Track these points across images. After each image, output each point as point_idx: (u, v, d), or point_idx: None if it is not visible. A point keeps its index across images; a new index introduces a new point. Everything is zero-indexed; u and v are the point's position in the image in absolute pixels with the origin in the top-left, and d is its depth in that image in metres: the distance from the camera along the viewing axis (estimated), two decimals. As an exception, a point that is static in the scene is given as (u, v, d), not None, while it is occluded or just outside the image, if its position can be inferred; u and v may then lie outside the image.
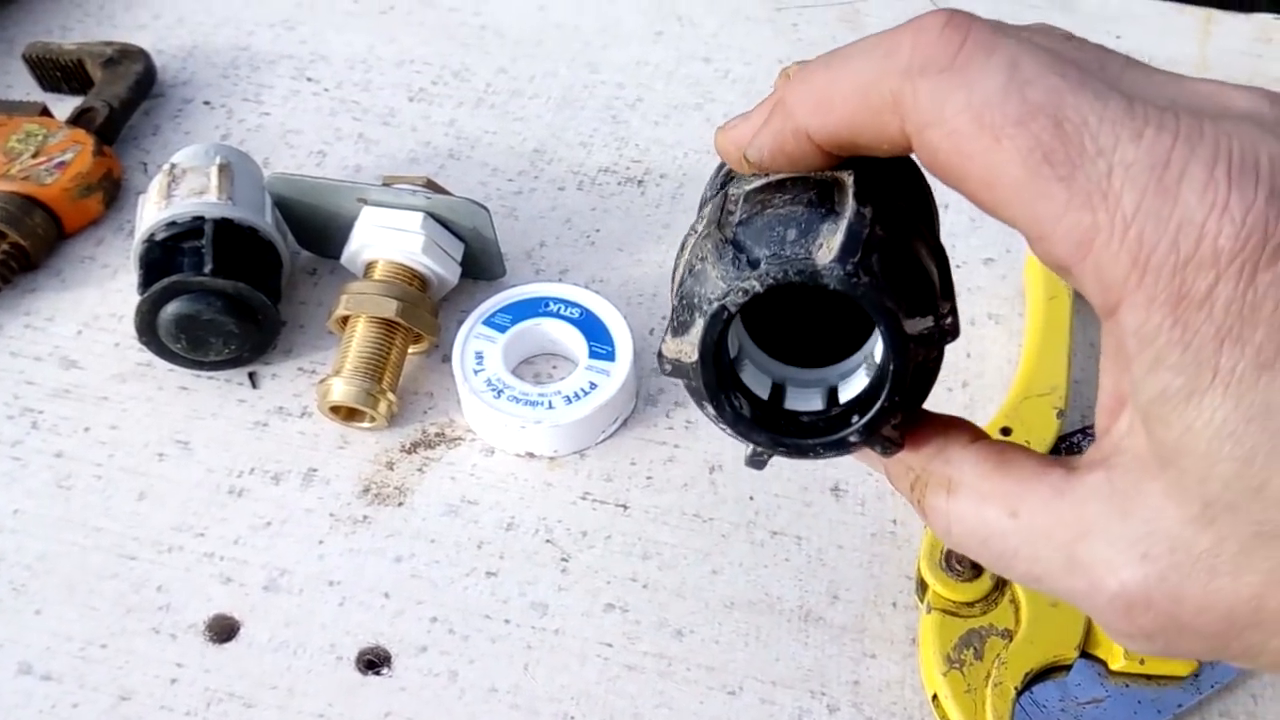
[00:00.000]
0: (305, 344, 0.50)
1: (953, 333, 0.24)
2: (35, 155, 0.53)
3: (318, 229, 0.50)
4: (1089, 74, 0.21)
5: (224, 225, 0.46)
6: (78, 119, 0.57)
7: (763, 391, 0.26)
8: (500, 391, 0.45)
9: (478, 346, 0.47)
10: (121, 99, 0.58)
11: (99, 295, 0.52)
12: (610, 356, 0.46)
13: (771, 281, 0.23)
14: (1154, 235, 0.20)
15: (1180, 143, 0.20)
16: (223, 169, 0.48)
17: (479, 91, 0.62)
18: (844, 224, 0.23)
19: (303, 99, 0.61)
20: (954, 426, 0.26)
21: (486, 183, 0.58)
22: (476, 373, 0.46)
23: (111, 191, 0.55)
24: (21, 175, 0.52)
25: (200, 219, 0.46)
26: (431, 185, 0.49)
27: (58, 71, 0.60)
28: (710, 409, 0.25)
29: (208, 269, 0.44)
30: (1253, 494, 0.20)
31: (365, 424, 0.47)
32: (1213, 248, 0.19)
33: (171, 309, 0.44)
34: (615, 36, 0.65)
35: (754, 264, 0.23)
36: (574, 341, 0.47)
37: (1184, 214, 0.19)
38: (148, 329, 0.45)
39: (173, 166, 0.48)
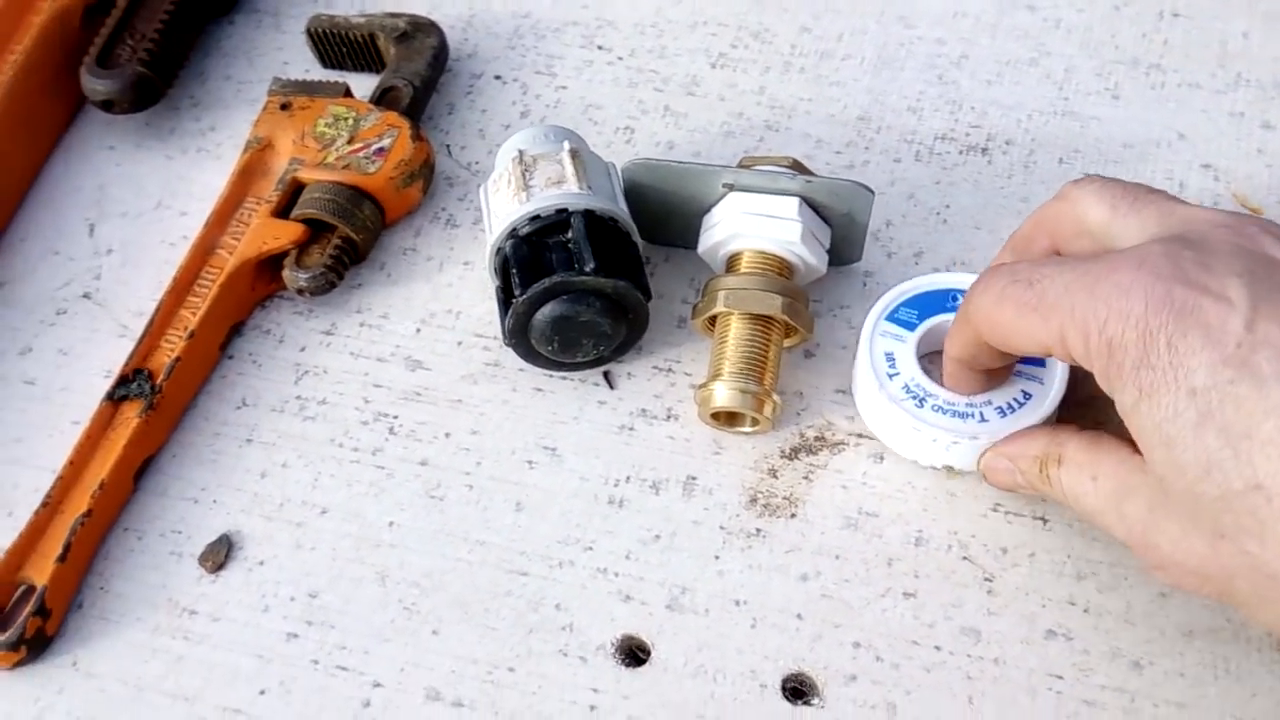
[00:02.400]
0: (655, 340, 0.47)
1: None
2: (350, 141, 0.51)
3: (665, 216, 0.47)
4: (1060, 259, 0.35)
5: (589, 217, 0.43)
6: (381, 99, 0.54)
7: None
8: (922, 400, 0.40)
9: (887, 346, 0.42)
10: (423, 77, 0.55)
11: (430, 290, 0.49)
12: (1039, 360, 0.41)
13: None
14: (1090, 318, 0.32)
15: (1105, 265, 0.32)
16: (574, 155, 0.45)
17: (784, 54, 0.57)
18: None
19: (597, 69, 0.58)
20: (1064, 427, 0.37)
21: (812, 156, 0.53)
22: (892, 377, 0.41)
23: (429, 178, 0.52)
24: (342, 164, 0.50)
25: (565, 211, 0.43)
26: (798, 166, 0.45)
27: (344, 47, 0.58)
28: None
29: (589, 268, 0.41)
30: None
31: (746, 428, 0.43)
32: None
33: (549, 310, 0.41)
34: (921, -13, 0.60)
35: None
36: None
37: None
38: (520, 331, 0.42)
39: (521, 154, 0.45)
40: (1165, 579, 0.33)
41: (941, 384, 0.40)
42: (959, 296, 0.42)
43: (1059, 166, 0.52)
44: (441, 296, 0.49)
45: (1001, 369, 0.39)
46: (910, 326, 0.42)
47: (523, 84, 0.57)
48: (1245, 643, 0.37)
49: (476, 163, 0.54)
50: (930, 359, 0.42)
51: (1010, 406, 0.40)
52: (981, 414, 0.40)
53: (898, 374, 0.41)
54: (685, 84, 0.57)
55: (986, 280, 0.35)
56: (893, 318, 0.43)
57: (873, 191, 0.43)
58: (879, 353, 0.42)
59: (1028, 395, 0.40)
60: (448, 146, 0.55)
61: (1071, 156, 0.52)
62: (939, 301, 0.43)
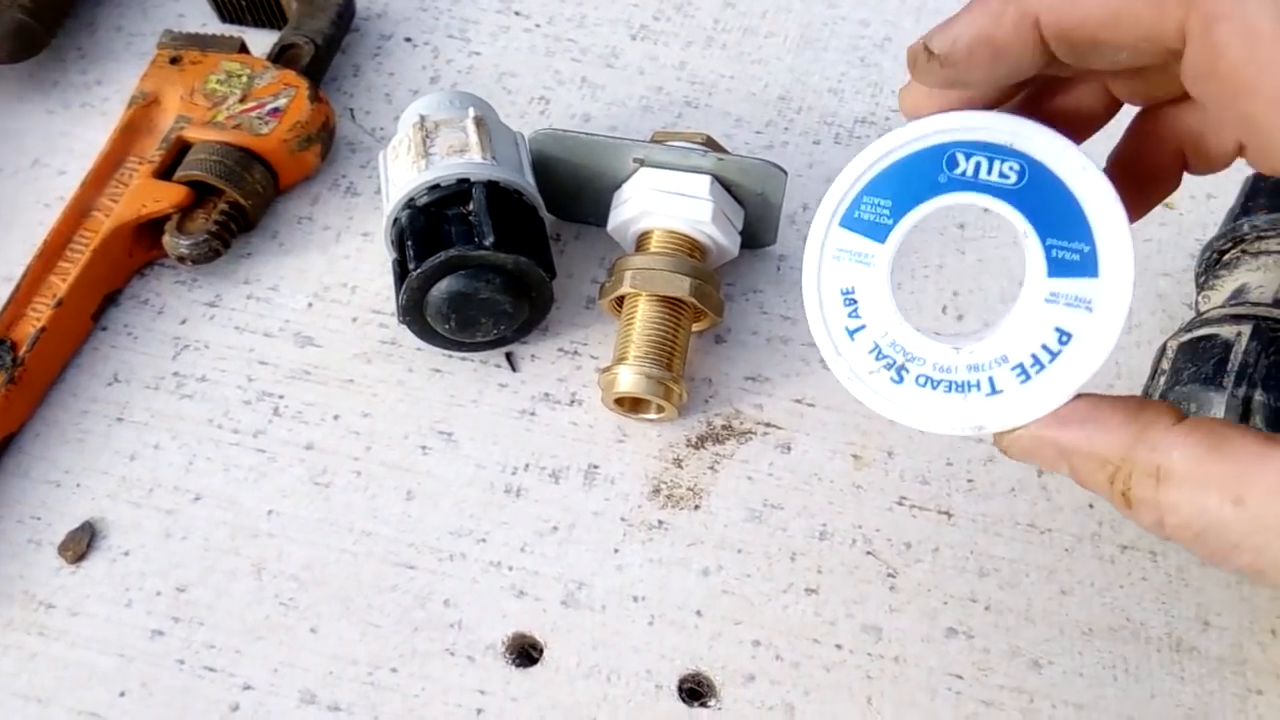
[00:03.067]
0: (561, 321, 0.45)
1: None
2: (243, 100, 0.48)
3: (573, 191, 0.45)
4: None
5: (491, 189, 0.40)
6: (279, 57, 0.51)
7: None
8: (902, 370, 0.26)
9: (845, 277, 0.26)
10: (325, 35, 0.52)
11: (325, 262, 0.47)
12: (1089, 267, 0.24)
13: None
14: None
15: None
16: (479, 123, 0.43)
17: (707, 29, 0.55)
18: None
19: (513, 36, 0.55)
20: (1149, 408, 0.23)
21: (731, 135, 0.51)
22: (854, 334, 0.26)
23: (328, 143, 0.49)
24: (232, 123, 0.47)
25: (466, 182, 0.40)
26: (711, 144, 0.43)
27: (243, 1, 0.54)
28: None
29: (488, 241, 0.38)
30: None
31: (652, 415, 0.41)
32: None
33: (444, 286, 0.39)
34: (848, -35, 0.58)
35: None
36: (1016, 234, 0.25)
37: None
38: (414, 308, 0.40)
39: (423, 119, 0.42)
40: None
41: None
42: (961, 155, 0.24)
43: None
44: (337, 269, 0.46)
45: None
46: (880, 232, 0.25)
47: (434, 48, 0.55)
48: (1144, 642, 0.37)
49: (381, 128, 0.51)
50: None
51: (1038, 362, 0.24)
52: (992, 381, 0.25)
53: (863, 327, 0.26)
54: (604, 55, 0.54)
55: None
56: (851, 220, 0.26)
57: (785, 172, 0.42)
58: (831, 292, 0.26)
59: (1066, 335, 0.24)
60: (351, 110, 0.52)
61: (993, 144, 0.51)
62: (926, 175, 0.24)
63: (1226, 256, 0.39)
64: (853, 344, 0.26)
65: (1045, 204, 0.24)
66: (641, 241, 0.43)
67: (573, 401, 0.43)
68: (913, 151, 0.24)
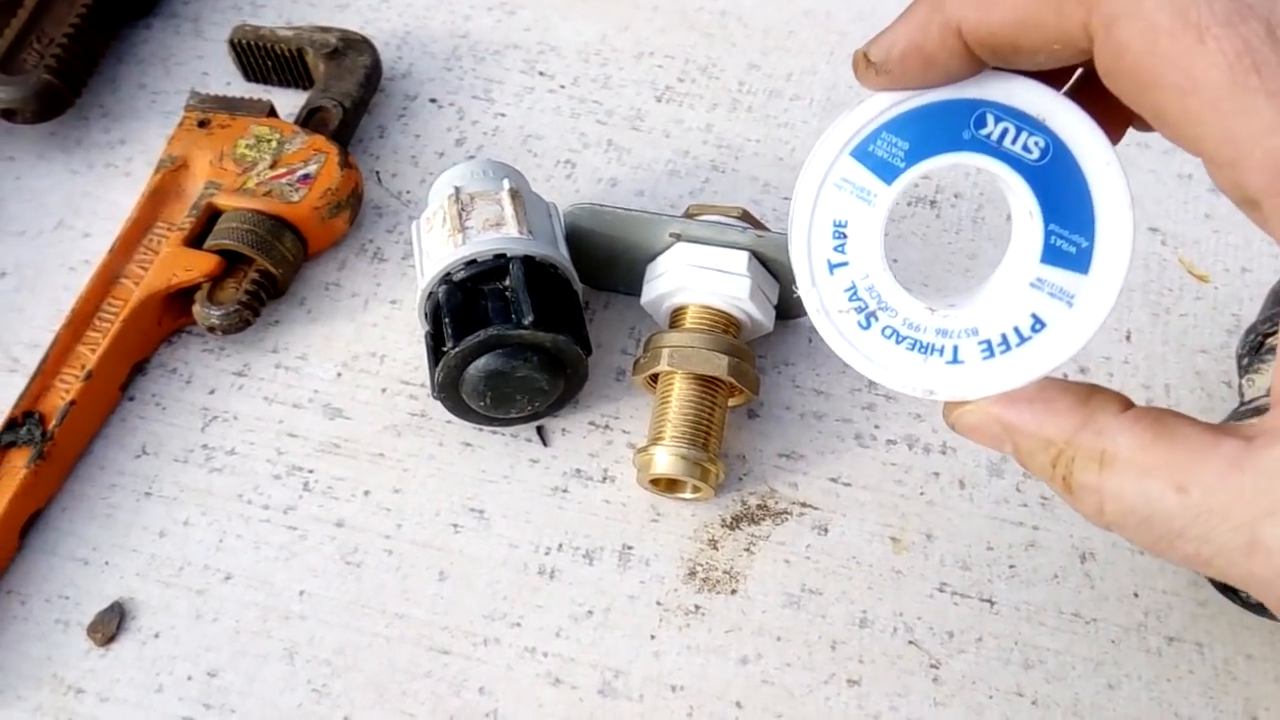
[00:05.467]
0: (592, 393, 0.44)
1: None
2: (273, 166, 0.47)
3: (607, 262, 0.44)
4: None
5: (528, 264, 0.40)
6: (307, 120, 0.51)
7: None
8: (872, 316, 0.25)
9: (841, 208, 0.25)
10: (353, 97, 0.52)
11: (353, 330, 0.46)
12: (1082, 262, 0.24)
13: None
14: None
15: None
16: (515, 195, 0.42)
17: (732, 91, 0.55)
18: None
19: (538, 97, 0.55)
20: (1099, 394, 0.23)
21: (759, 200, 0.51)
22: (835, 269, 0.25)
23: (356, 208, 0.49)
24: (263, 190, 0.46)
25: (502, 257, 0.40)
26: (747, 217, 0.43)
27: (269, 61, 0.54)
28: None
29: (527, 320, 0.38)
30: None
31: (687, 495, 0.41)
32: None
33: (482, 364, 0.39)
34: (874, 27, 0.58)
35: None
36: (1017, 215, 0.24)
37: None
38: (450, 385, 0.40)
39: (458, 191, 0.42)
40: None
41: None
42: (991, 117, 0.24)
43: (1007, 223, 0.50)
44: (365, 337, 0.46)
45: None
46: (889, 172, 0.24)
47: (459, 109, 0.54)
48: (1193, 739, 0.36)
49: (408, 191, 0.51)
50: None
51: (1005, 342, 0.24)
52: (956, 350, 0.25)
53: (845, 264, 0.25)
54: (629, 117, 0.54)
55: None
56: (864, 152, 0.24)
57: (826, 252, 0.41)
58: (824, 215, 0.25)
59: (1040, 322, 0.24)
60: (377, 173, 0.52)
61: (1022, 213, 0.51)
62: (952, 128, 0.24)
63: (1270, 341, 0.39)
64: (830, 278, 0.25)
65: (1059, 188, 0.23)
66: (676, 316, 0.43)
67: (605, 478, 0.42)
68: (944, 99, 0.24)
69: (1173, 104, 0.19)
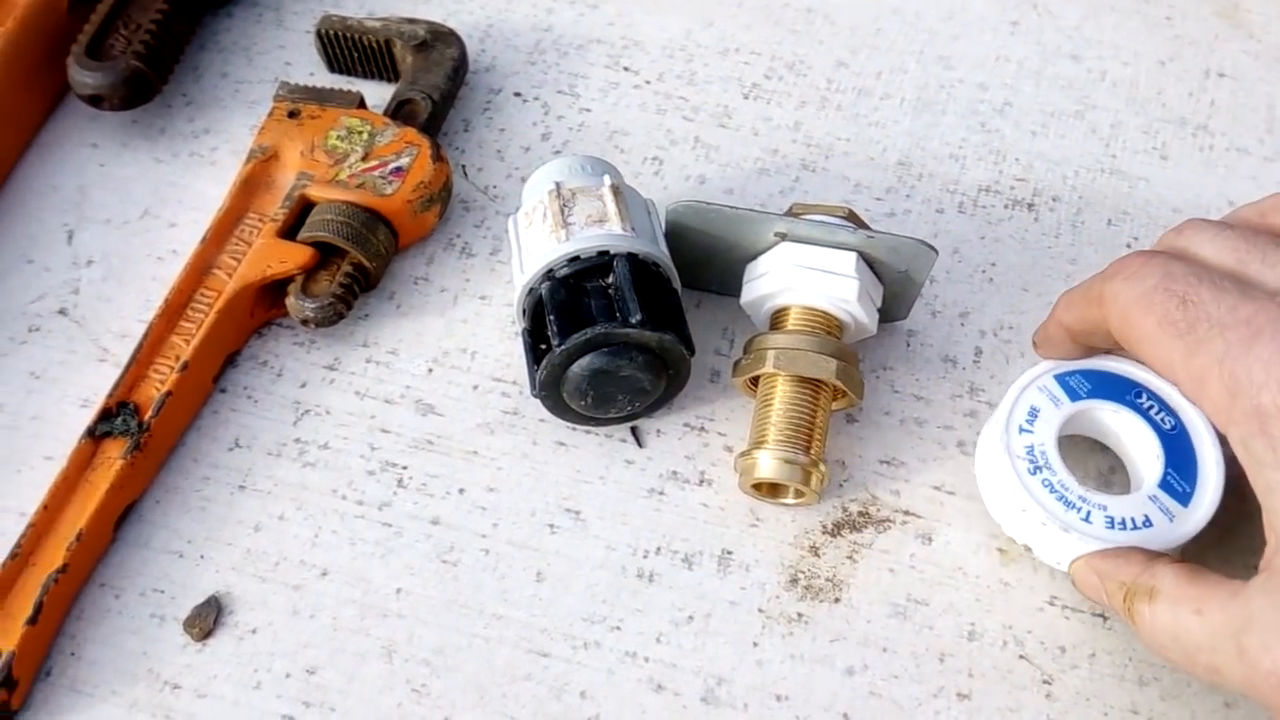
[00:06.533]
0: (685, 394, 0.43)
1: None
2: (365, 158, 0.47)
3: (704, 260, 0.44)
4: (1220, 275, 0.31)
5: (633, 261, 0.39)
6: (395, 112, 0.50)
7: None
8: (1038, 467, 0.36)
9: (1036, 400, 0.38)
10: (441, 90, 0.51)
11: (443, 326, 0.46)
12: (1184, 499, 0.35)
13: None
14: (1242, 374, 0.29)
15: (1268, 319, 0.29)
16: (616, 191, 0.42)
17: (820, 89, 0.54)
18: None
19: (623, 93, 0.54)
20: (1161, 557, 0.33)
21: (851, 200, 0.50)
22: (1022, 431, 0.37)
23: (446, 202, 0.48)
24: (355, 182, 0.46)
25: (606, 254, 0.39)
26: (853, 217, 0.42)
27: (356, 52, 0.54)
28: None
29: (635, 319, 0.37)
30: None
31: (789, 500, 0.40)
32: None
33: (585, 363, 0.38)
34: (964, 26, 0.57)
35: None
36: (1147, 456, 0.37)
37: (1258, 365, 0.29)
38: (552, 384, 0.39)
39: (559, 186, 0.41)
40: None
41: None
42: (1145, 397, 0.37)
43: (1108, 229, 0.49)
44: (456, 333, 0.45)
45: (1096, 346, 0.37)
46: (1073, 396, 0.38)
47: (544, 103, 0.54)
48: (1319, 765, 0.35)
49: (494, 186, 0.51)
50: (1069, 442, 0.40)
51: (1125, 524, 0.35)
52: (1089, 514, 0.36)
53: (1030, 431, 0.37)
54: (716, 114, 0.53)
55: (1140, 268, 0.33)
56: (1062, 377, 0.38)
57: (937, 251, 0.40)
58: (1025, 402, 0.38)
59: (1149, 522, 0.35)
60: (463, 167, 0.51)
61: (1120, 218, 0.50)
62: (1119, 390, 0.38)
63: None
64: (1019, 436, 0.37)
65: (1179, 450, 0.36)
66: (778, 318, 0.42)
67: (702, 481, 0.41)
68: (1122, 372, 0.38)
69: (1138, 351, 0.34)
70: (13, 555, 0.36)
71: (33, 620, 0.35)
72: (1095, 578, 0.34)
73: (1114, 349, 0.37)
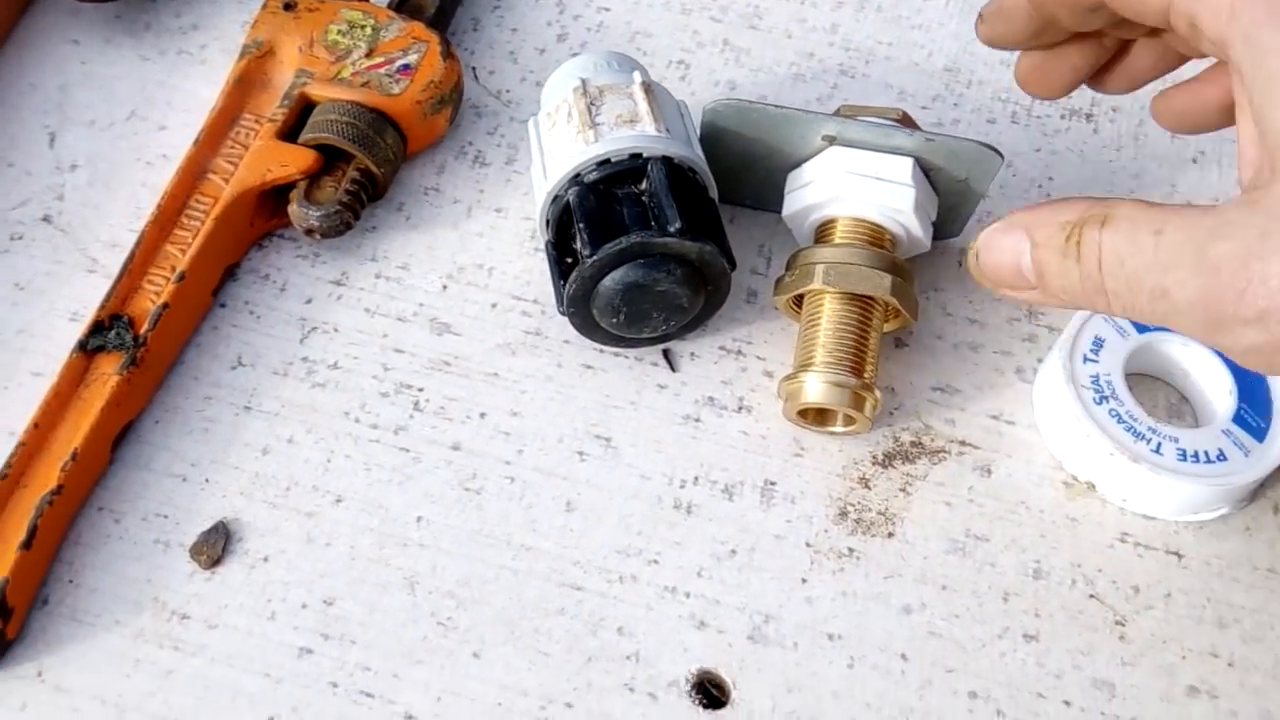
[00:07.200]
0: (720, 315, 0.40)
1: None
2: (369, 55, 0.43)
3: (738, 170, 0.40)
4: None
5: (669, 166, 0.36)
6: (401, 6, 0.46)
7: None
8: (1104, 397, 0.36)
9: (1100, 330, 0.37)
10: (451, -16, 0.47)
11: (457, 239, 0.42)
12: (1260, 434, 0.35)
13: None
14: None
15: None
16: (648, 89, 0.38)
17: (860, -11, 0.50)
18: None
19: (647, -9, 0.50)
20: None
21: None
22: (1087, 360, 0.36)
23: (458, 105, 0.44)
24: (360, 81, 0.42)
25: (639, 157, 0.36)
26: (908, 120, 0.39)
27: (356, -55, 0.49)
28: None
29: (674, 228, 0.34)
30: None
31: (838, 427, 0.37)
32: None
33: (619, 276, 0.35)
34: (1012, -74, 0.53)
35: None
36: (1220, 392, 0.36)
37: None
38: (582, 299, 0.36)
39: (585, 84, 0.38)
40: (1266, 335, 0.23)
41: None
42: None
43: (1172, 142, 0.46)
44: (471, 248, 0.42)
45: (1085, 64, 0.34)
46: (1140, 328, 0.37)
47: (559, 1, 0.50)
48: None
49: (508, 90, 0.47)
50: (1130, 380, 0.37)
51: (1199, 456, 0.35)
52: (1160, 445, 0.35)
53: (1096, 361, 0.36)
54: (746, 15, 0.50)
55: None
56: None
57: (1003, 156, 0.37)
58: (1089, 331, 0.37)
59: (1224, 456, 0.35)
60: (474, 70, 0.47)
61: (1183, 132, 0.46)
62: None
63: None
64: (1083, 365, 0.36)
65: (1253, 386, 0.36)
66: (823, 231, 0.38)
67: (740, 408, 0.38)
68: None
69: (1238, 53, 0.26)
70: (3, 475, 0.33)
71: (27, 544, 0.32)
72: (1014, 237, 0.28)
73: (1078, 30, 0.32)
